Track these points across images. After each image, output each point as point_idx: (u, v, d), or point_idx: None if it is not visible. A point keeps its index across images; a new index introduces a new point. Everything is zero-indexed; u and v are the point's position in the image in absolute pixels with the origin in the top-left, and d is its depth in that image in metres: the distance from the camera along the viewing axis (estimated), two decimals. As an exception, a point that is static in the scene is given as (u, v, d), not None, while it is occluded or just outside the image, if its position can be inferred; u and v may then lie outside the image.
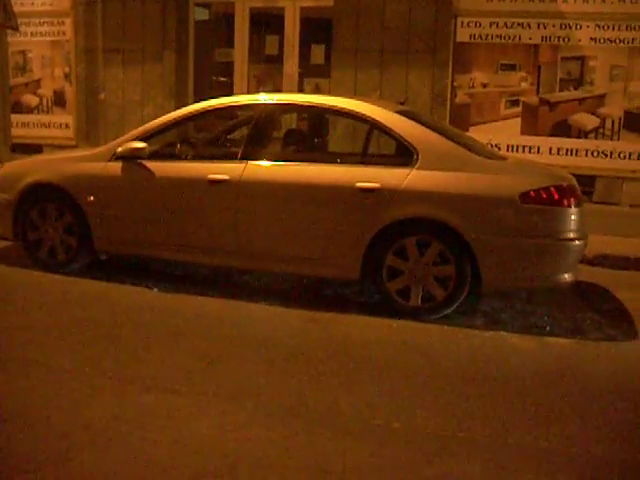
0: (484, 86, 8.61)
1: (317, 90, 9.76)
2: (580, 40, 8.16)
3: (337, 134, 7.07)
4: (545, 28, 8.24)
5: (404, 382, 3.77)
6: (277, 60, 9.85)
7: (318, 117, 5.72)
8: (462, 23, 8.53)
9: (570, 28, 8.16)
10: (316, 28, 9.78)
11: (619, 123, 8.18)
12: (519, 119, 8.53)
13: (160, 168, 5.23)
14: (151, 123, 5.41)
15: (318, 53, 9.77)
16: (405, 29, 8.70)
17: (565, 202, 4.65)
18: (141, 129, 5.40)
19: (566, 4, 8.14)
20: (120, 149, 5.28)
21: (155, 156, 5.30)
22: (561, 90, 8.35)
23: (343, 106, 5.06)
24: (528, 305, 5.28)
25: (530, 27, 8.29)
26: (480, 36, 8.49)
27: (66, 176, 5.47)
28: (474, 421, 3.33)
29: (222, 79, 10.17)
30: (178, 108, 9.65)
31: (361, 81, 9.00)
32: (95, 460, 2.87)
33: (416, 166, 4.76)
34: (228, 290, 5.30)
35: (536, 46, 8.34)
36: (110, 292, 5.20)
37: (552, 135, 8.41)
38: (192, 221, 5.19)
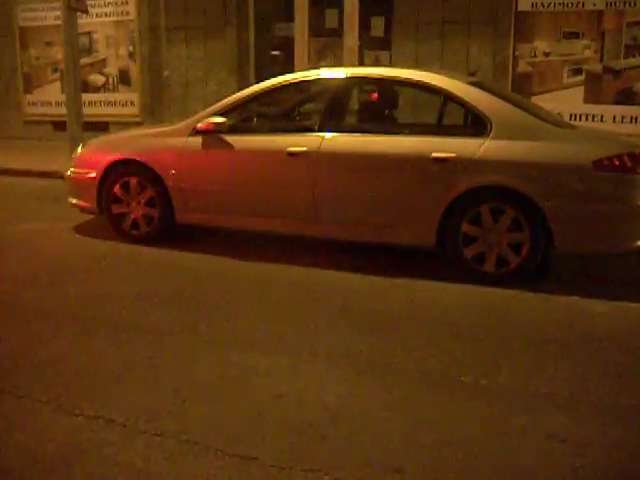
0: (546, 55, 8.58)
1: (377, 62, 9.83)
2: (646, 4, 8.05)
3: (408, 106, 7.18)
4: (610, -7, 8.15)
5: (486, 343, 3.93)
6: (337, 33, 9.94)
7: (391, 89, 5.85)
8: (524, -9, 8.48)
9: (636, -8, 8.06)
10: (376, 0, 9.83)
11: (686, 89, 8.08)
12: (582, 87, 8.48)
13: (239, 141, 5.46)
14: (228, 99, 5.63)
15: (378, 25, 9.84)
16: (466, 0, 8.69)
17: (638, 169, 4.71)
18: (218, 105, 5.62)
19: (632, -32, 8.03)
20: (200, 124, 5.52)
21: (234, 130, 5.52)
22: (626, 57, 8.27)
23: (417, 78, 5.20)
24: (597, 270, 5.39)
25: (594, -7, 8.20)
26: (542, 4, 8.44)
27: (148, 151, 5.74)
28: (555, 380, 3.48)
29: (283, 53, 10.31)
30: (240, 83, 10.08)
31: (422, 53, 9.06)
32: (210, 413, 3.12)
33: (490, 136, 4.88)
34: (303, 259, 5.51)
35: (600, 12, 8.26)
36: (193, 261, 5.47)
37: (616, 103, 8.35)
38: (271, 192, 5.42)
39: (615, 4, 8.17)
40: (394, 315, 4.36)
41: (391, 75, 5.37)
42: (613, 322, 4.35)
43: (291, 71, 9.93)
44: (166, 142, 5.71)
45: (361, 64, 9.81)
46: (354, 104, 5.46)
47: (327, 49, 10.20)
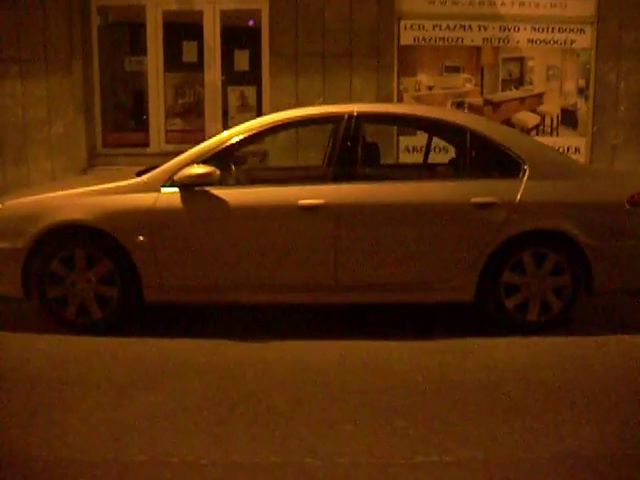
0: (430, 88, 8.58)
1: (243, 98, 9.14)
2: (518, 42, 8.43)
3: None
4: (486, 30, 8.40)
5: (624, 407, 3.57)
6: (197, 67, 9.04)
7: (408, 129, 5.28)
8: (405, 26, 8.42)
9: (509, 30, 8.41)
10: (238, 33, 9.15)
11: (557, 120, 8.58)
12: (465, 120, 8.59)
13: (234, 195, 4.51)
14: (207, 143, 4.68)
15: (242, 59, 9.13)
16: (347, 32, 8.40)
17: (661, 203, 4.73)
18: (197, 150, 4.64)
19: (504, 7, 8.36)
20: (180, 175, 4.48)
21: (221, 182, 4.55)
22: (503, 90, 8.57)
23: (439, 116, 4.73)
24: (596, 307, 5.37)
25: (472, 29, 8.40)
26: (423, 38, 8.45)
27: (102, 213, 4.53)
28: None
29: (135, 89, 9.15)
30: (88, 124, 8.68)
31: (302, 86, 8.55)
32: None
33: (526, 177, 4.58)
34: (313, 330, 4.73)
35: (478, 48, 8.48)
36: (193, 352, 4.43)
37: (497, 134, 8.58)
38: (278, 255, 4.55)
39: (491, 41, 8.45)
40: (476, 386, 3.83)
41: (408, 113, 4.84)
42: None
43: (144, 110, 9.01)
44: (128, 200, 4.56)
45: (225, 99, 9.06)
46: (368, 146, 4.79)
47: (185, 84, 9.23)
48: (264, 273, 4.56)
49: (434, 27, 8.44)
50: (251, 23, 9.39)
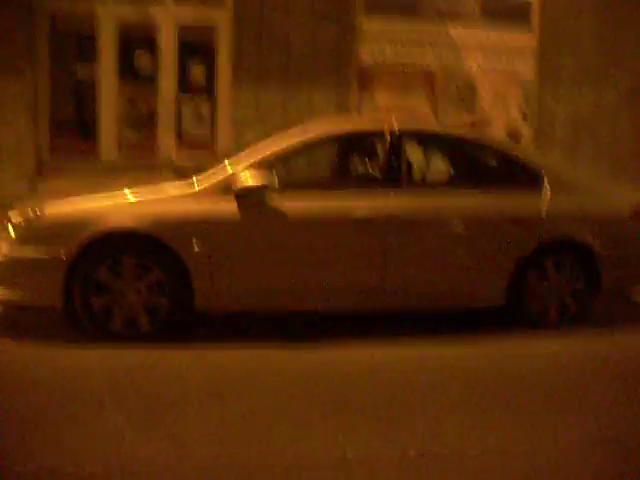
0: (387, 108, 9.00)
1: (197, 109, 9.15)
2: (471, 69, 9.06)
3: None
4: (441, 57, 8.96)
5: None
6: (151, 79, 8.94)
7: (444, 146, 5.52)
8: (365, 47, 8.81)
9: (462, 57, 8.99)
10: (195, 46, 9.15)
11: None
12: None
13: (291, 204, 4.62)
14: (264, 152, 4.76)
15: (198, 72, 9.14)
16: (310, 49, 8.65)
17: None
18: (254, 159, 4.70)
19: (458, 36, 8.95)
20: (239, 185, 4.53)
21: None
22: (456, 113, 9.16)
23: (475, 136, 5.15)
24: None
25: (428, 55, 8.93)
26: (383, 60, 8.84)
27: (157, 221, 4.49)
28: None
29: (87, 98, 8.88)
30: (38, 132, 8.32)
31: (264, 100, 8.68)
32: None
33: (548, 191, 5.05)
34: (358, 340, 4.89)
35: (433, 73, 9.02)
36: (248, 359, 4.44)
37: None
38: (330, 264, 4.71)
39: (446, 66, 9.01)
40: (528, 388, 4.17)
41: (446, 132, 5.19)
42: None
43: (95, 119, 8.77)
44: (183, 208, 4.55)
45: (179, 112, 9.01)
46: (410, 161, 5.05)
47: (140, 95, 9.08)
48: (316, 280, 4.70)
49: (393, 50, 8.89)
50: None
